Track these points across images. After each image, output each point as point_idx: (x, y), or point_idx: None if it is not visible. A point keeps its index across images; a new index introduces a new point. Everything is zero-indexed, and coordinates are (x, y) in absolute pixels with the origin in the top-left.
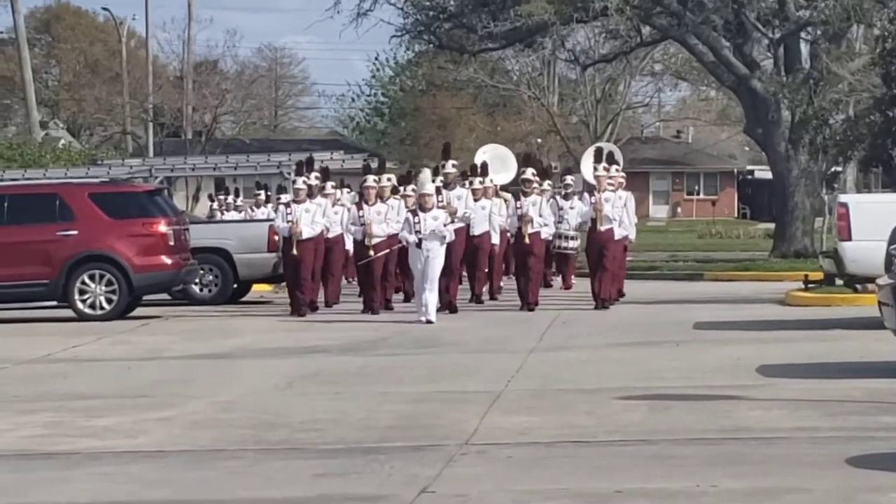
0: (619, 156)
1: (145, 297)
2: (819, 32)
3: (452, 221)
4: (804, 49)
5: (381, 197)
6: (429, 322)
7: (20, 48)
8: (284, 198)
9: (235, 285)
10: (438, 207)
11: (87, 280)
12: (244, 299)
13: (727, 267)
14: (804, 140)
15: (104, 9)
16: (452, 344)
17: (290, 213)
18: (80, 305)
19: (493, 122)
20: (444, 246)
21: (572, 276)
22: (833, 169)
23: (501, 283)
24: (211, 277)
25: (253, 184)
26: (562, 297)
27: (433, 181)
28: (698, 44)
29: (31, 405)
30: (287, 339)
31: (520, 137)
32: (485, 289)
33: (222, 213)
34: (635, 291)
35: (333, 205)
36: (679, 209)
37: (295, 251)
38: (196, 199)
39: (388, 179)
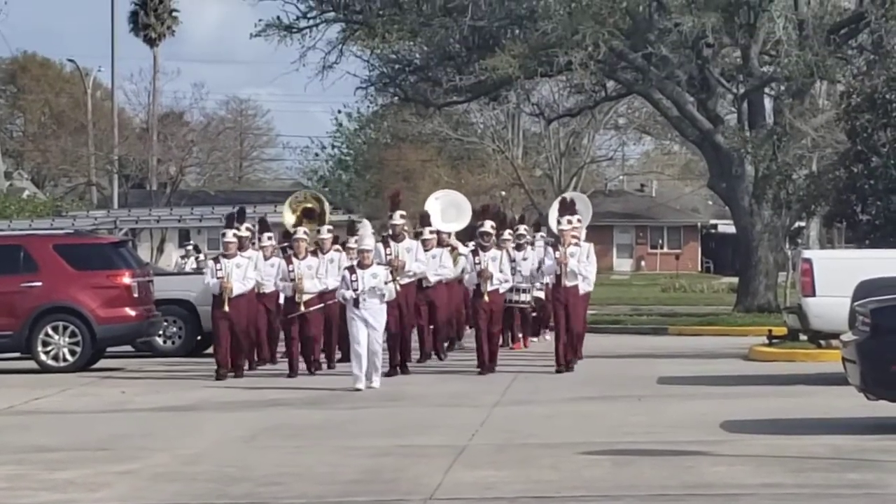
0: (586, 203)
1: (109, 349)
2: (783, 88)
3: (394, 279)
4: (768, 104)
5: (321, 250)
6: (357, 390)
7: None
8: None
9: (199, 337)
10: (379, 263)
11: (50, 331)
12: (208, 351)
13: (691, 321)
14: (768, 195)
15: (70, 60)
16: (415, 398)
17: (220, 269)
18: (43, 357)
19: (457, 175)
20: (385, 305)
21: (529, 337)
22: (796, 224)
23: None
24: (175, 329)
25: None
26: (521, 357)
27: (376, 233)
28: (662, 98)
29: None
30: (250, 392)
31: (484, 190)
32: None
33: (197, 262)
34: (599, 345)
35: (267, 258)
36: (643, 263)
37: (227, 307)
38: (161, 250)
39: (329, 231)
